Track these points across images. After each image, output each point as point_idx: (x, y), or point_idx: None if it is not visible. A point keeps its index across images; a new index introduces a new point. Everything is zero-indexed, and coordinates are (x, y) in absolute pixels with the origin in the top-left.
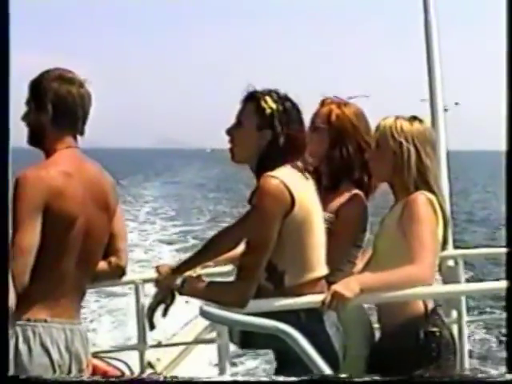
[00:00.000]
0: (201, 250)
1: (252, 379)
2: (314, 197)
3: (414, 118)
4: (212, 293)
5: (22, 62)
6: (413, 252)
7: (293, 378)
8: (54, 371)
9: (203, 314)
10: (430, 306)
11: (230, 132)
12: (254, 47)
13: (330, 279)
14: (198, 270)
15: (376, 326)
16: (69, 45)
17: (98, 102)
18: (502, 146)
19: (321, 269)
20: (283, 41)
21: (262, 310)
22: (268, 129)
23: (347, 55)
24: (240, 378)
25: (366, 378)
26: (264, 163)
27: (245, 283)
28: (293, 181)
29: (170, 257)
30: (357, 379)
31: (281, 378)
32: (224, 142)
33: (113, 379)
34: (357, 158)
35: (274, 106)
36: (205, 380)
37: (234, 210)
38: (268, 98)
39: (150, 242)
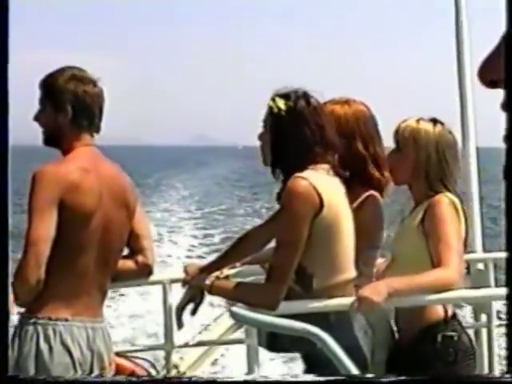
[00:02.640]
0: (228, 251)
1: (279, 378)
2: (343, 199)
3: (435, 121)
4: (243, 294)
5: (49, 58)
6: (439, 255)
7: (318, 378)
8: (75, 370)
9: (233, 314)
10: (450, 311)
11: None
12: (289, 46)
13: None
14: (225, 271)
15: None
16: (103, 43)
17: (132, 99)
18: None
19: (350, 271)
20: (322, 40)
21: (292, 312)
22: (277, 129)
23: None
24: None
25: (392, 378)
26: (284, 164)
27: (276, 285)
28: (321, 182)
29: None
30: (383, 379)
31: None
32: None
33: (135, 379)
34: (357, 158)
35: (282, 106)
36: (227, 380)
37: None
38: (278, 99)
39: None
